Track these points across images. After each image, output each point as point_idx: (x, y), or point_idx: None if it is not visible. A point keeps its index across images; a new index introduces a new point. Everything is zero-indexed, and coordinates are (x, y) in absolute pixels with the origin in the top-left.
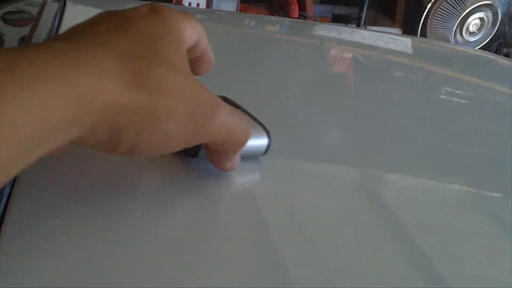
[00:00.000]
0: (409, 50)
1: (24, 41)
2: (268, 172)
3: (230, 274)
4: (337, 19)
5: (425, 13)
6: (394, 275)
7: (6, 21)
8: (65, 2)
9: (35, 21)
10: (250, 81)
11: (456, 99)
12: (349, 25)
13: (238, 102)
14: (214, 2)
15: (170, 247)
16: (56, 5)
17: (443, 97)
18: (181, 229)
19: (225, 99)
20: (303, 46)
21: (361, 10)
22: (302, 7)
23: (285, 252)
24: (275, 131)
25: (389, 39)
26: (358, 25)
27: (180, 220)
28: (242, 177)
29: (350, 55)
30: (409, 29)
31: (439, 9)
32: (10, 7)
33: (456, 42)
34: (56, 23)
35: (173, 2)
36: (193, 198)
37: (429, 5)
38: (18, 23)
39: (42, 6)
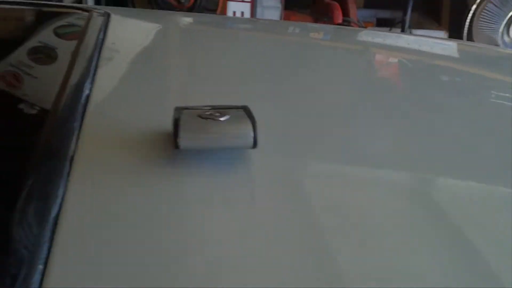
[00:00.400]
0: (455, 55)
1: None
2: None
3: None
4: (382, 23)
5: (470, 15)
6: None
7: (58, 35)
8: (109, 15)
9: (81, 34)
10: (296, 87)
11: (505, 103)
12: (393, 29)
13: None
14: (258, 11)
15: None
16: (101, 18)
17: (492, 101)
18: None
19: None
20: (348, 53)
21: (405, 14)
22: (345, 12)
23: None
24: (324, 135)
25: (435, 44)
26: (402, 29)
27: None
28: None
29: (395, 60)
30: (455, 32)
31: (484, 11)
32: (62, 21)
33: (504, 43)
34: (101, 36)
35: (217, 12)
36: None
37: (474, 6)
38: (69, 37)
39: (88, 20)
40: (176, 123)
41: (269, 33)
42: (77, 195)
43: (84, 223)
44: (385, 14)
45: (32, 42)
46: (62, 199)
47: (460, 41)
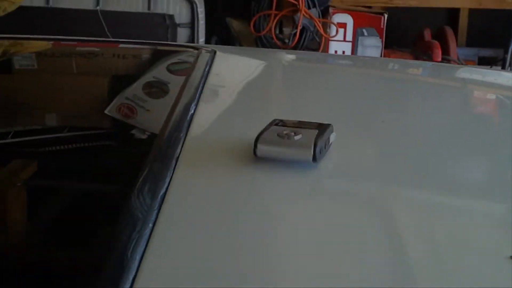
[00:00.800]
0: None
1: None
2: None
3: None
4: (483, 62)
5: None
6: None
7: (171, 71)
8: (215, 52)
9: (191, 69)
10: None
11: None
12: (494, 67)
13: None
14: (359, 50)
15: None
16: (208, 54)
17: None
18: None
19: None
20: (444, 89)
21: (506, 52)
22: (445, 50)
23: None
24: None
25: None
26: (503, 67)
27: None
28: None
29: (492, 97)
30: None
31: None
32: (175, 58)
33: None
34: (207, 69)
35: (320, 50)
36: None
37: None
38: (180, 73)
39: (197, 56)
40: (257, 136)
41: (368, 69)
42: (178, 184)
43: (181, 205)
44: (487, 52)
45: (148, 77)
46: (168, 185)
47: None
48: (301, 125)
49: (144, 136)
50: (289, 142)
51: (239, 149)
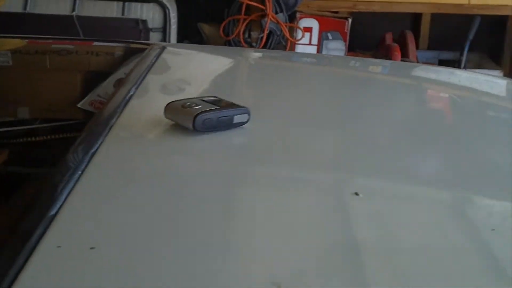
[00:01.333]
0: (502, 92)
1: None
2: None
3: None
4: (443, 64)
5: None
6: None
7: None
8: (164, 48)
9: (137, 63)
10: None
11: None
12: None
13: None
14: (324, 52)
15: None
16: (158, 49)
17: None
18: None
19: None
20: (400, 85)
21: (461, 54)
22: (405, 53)
23: None
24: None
25: (486, 81)
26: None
27: None
28: None
29: (442, 94)
30: None
31: None
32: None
33: None
34: (152, 62)
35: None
36: None
37: None
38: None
39: (148, 51)
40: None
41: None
42: (109, 143)
43: (109, 158)
44: (447, 55)
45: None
46: (99, 145)
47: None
48: (214, 102)
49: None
50: (183, 111)
51: (161, 119)
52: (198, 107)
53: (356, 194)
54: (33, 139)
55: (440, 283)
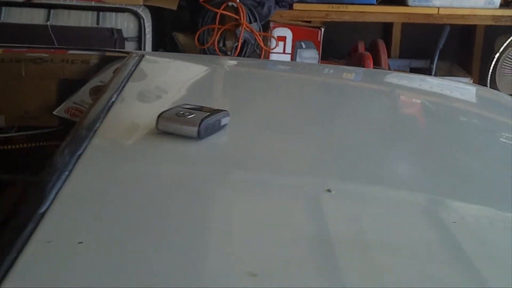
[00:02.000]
0: (472, 98)
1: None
2: None
3: None
4: (415, 72)
5: (493, 62)
6: None
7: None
8: (143, 56)
9: (116, 72)
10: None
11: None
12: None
13: None
14: (298, 61)
15: None
16: (137, 58)
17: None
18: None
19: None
20: (373, 92)
21: (431, 62)
22: (377, 61)
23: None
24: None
25: (456, 88)
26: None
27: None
28: None
29: (414, 100)
30: (483, 80)
31: (507, 58)
32: (110, 63)
33: None
34: (132, 70)
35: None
36: None
37: (497, 54)
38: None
39: (127, 59)
40: (160, 114)
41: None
42: (94, 147)
43: (94, 162)
44: (418, 63)
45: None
46: (85, 148)
47: (479, 86)
48: (200, 108)
49: None
50: (182, 120)
51: (145, 125)
52: (193, 115)
53: (329, 190)
54: (10, 147)
55: (408, 277)
